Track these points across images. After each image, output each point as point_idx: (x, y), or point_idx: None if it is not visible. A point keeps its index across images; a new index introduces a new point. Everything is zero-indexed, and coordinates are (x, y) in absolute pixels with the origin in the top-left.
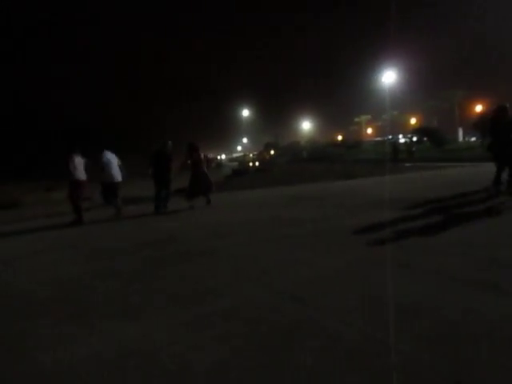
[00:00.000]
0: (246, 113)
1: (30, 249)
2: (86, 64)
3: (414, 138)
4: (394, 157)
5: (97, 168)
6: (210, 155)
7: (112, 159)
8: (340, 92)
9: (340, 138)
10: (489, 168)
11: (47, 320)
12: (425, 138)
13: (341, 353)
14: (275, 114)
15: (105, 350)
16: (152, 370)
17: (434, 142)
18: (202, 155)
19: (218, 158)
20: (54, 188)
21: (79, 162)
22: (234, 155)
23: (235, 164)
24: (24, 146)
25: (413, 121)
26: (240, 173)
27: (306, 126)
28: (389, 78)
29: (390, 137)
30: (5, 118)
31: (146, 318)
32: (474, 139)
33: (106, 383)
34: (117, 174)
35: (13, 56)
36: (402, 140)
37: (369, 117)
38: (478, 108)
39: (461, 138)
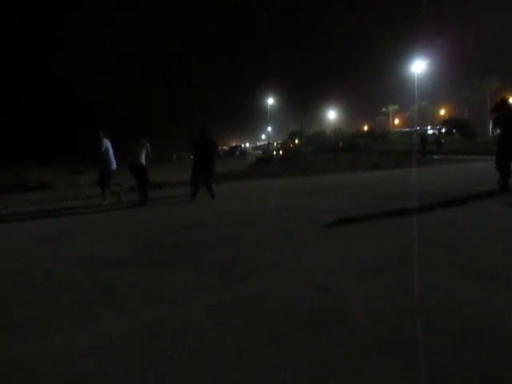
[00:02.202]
0: (271, 101)
1: (56, 229)
2: (115, 51)
3: (443, 130)
4: (422, 148)
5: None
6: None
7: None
8: (367, 81)
9: (366, 128)
10: None
11: (73, 300)
12: (454, 130)
13: (366, 344)
14: (301, 102)
15: (130, 330)
16: (178, 349)
17: (464, 134)
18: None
19: (242, 146)
20: (80, 172)
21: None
22: (259, 143)
23: (259, 152)
24: (53, 131)
25: (442, 112)
26: (264, 161)
27: (332, 115)
28: (418, 67)
29: (418, 128)
30: (36, 104)
31: (172, 301)
32: None
33: (131, 360)
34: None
35: (45, 40)
36: (430, 131)
37: (396, 107)
38: None
39: (491, 131)
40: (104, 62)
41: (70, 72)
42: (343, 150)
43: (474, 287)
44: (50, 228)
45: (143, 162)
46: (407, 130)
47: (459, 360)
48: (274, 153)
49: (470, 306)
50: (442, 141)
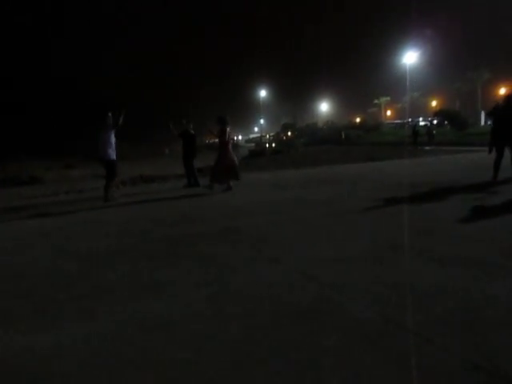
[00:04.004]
0: (263, 93)
1: (49, 224)
2: (112, 43)
3: (435, 121)
4: (413, 140)
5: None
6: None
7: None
8: (359, 73)
9: (358, 120)
10: None
11: (68, 294)
12: (446, 122)
13: (358, 335)
14: (293, 95)
15: (129, 324)
16: (172, 344)
17: (456, 125)
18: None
19: (235, 138)
20: (72, 165)
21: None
22: (251, 136)
23: (252, 145)
24: (43, 124)
25: (433, 103)
26: (257, 154)
27: (324, 107)
28: (410, 58)
29: (410, 119)
30: (27, 98)
31: (170, 294)
32: None
33: (127, 355)
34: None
35: (46, 36)
36: (422, 123)
37: (388, 99)
38: (502, 91)
39: (483, 122)
40: (97, 52)
41: (66, 67)
42: (345, 141)
43: (465, 276)
44: (43, 223)
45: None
46: (399, 121)
47: (450, 349)
48: (267, 145)
49: (461, 295)
50: (434, 132)
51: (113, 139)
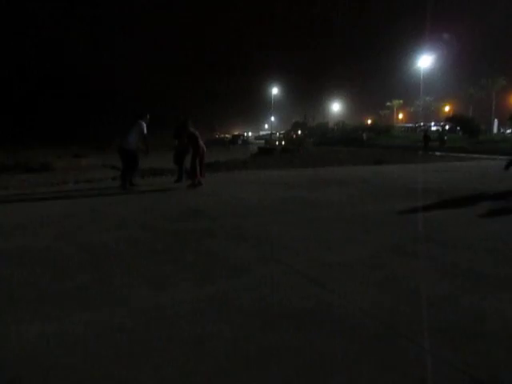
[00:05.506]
0: (275, 91)
1: (55, 213)
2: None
3: (447, 127)
4: (424, 145)
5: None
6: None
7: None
8: (373, 75)
9: (370, 121)
10: None
11: (71, 286)
12: (458, 128)
13: (357, 341)
14: (305, 94)
15: (127, 317)
16: (172, 339)
17: (468, 131)
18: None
19: (245, 134)
20: (82, 154)
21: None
22: (261, 133)
23: (262, 142)
24: (55, 113)
25: (446, 108)
26: (266, 151)
27: (336, 107)
28: (425, 62)
29: (422, 124)
30: (40, 87)
31: (170, 290)
32: (509, 131)
33: (126, 348)
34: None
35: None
36: (433, 128)
37: (401, 102)
38: None
39: (495, 130)
40: (106, 46)
41: (75, 59)
42: (336, 142)
43: (468, 287)
44: (49, 211)
45: (133, 146)
46: (410, 125)
47: (450, 361)
48: (277, 143)
49: (464, 306)
50: (445, 138)
51: (137, 134)
